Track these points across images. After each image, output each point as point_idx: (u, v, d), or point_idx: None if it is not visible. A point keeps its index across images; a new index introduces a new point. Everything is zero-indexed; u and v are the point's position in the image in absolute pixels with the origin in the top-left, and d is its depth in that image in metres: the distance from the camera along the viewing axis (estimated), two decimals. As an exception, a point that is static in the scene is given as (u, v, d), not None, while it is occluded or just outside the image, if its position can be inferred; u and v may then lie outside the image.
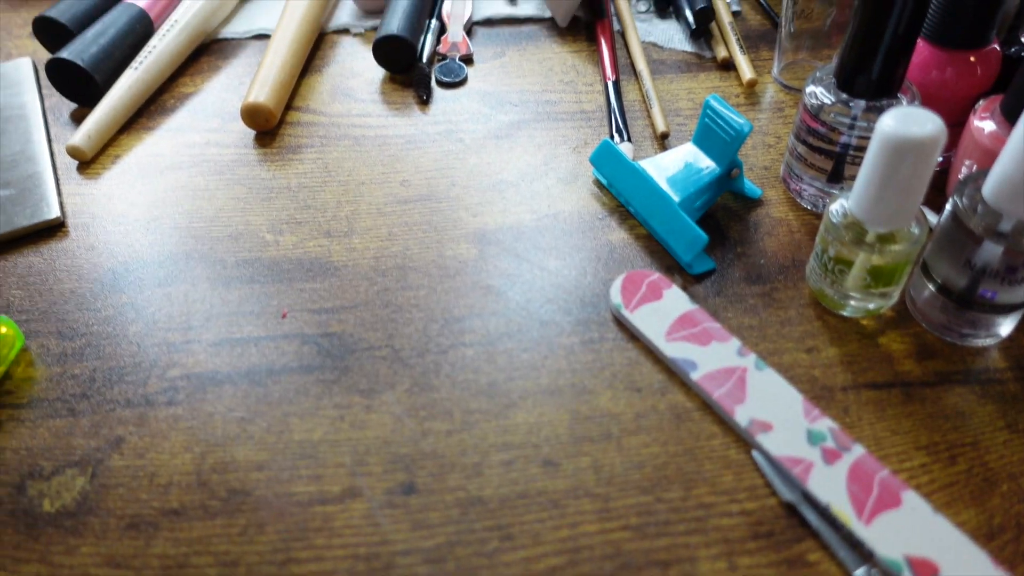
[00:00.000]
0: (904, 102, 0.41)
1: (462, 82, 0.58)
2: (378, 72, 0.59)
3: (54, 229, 0.48)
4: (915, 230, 0.37)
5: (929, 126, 0.33)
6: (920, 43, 0.44)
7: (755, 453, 0.36)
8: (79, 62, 0.54)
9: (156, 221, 0.48)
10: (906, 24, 0.38)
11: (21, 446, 0.38)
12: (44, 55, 0.62)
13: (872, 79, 0.40)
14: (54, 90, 0.57)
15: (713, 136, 0.44)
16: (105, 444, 0.38)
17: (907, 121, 0.33)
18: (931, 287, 0.39)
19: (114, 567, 0.34)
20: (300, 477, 0.36)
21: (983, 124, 0.41)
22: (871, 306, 0.40)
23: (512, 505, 0.35)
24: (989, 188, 0.35)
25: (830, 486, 0.34)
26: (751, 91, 0.55)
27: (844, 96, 0.41)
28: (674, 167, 0.45)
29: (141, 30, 0.59)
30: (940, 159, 0.46)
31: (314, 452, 0.37)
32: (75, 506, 0.36)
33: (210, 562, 0.34)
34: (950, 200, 0.37)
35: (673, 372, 0.39)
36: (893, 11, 0.37)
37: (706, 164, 0.45)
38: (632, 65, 0.58)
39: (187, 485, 0.36)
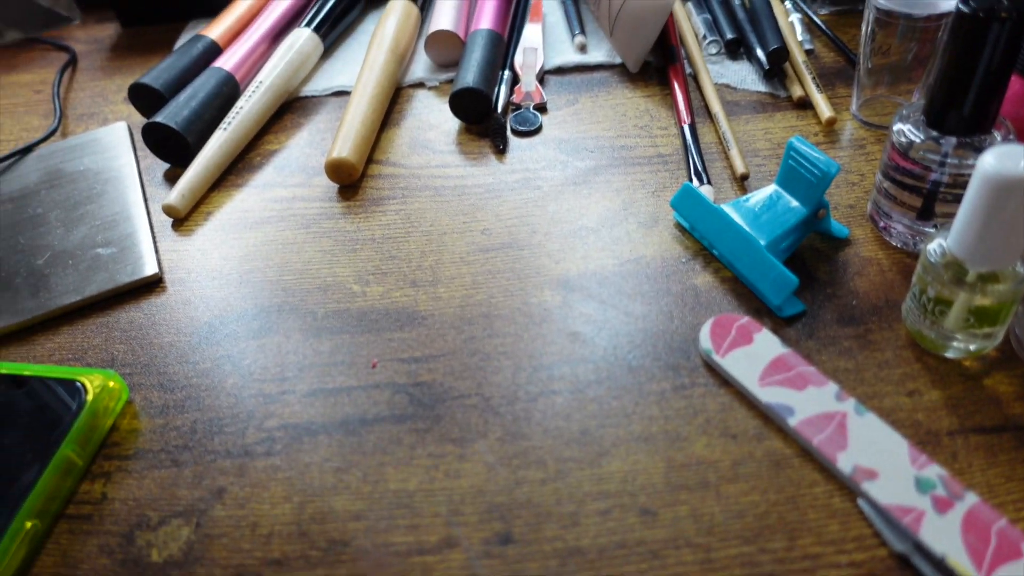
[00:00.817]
0: (998, 138, 0.40)
1: (537, 130, 0.59)
2: (454, 123, 0.61)
3: (153, 285, 0.50)
4: (1020, 268, 0.36)
5: (1033, 162, 0.32)
6: (1014, 77, 0.43)
7: (861, 502, 0.35)
8: (172, 125, 0.57)
9: (248, 275, 0.50)
10: (1000, 58, 0.37)
11: (129, 497, 0.39)
12: (139, 119, 0.65)
13: (964, 116, 0.39)
14: (148, 152, 0.60)
15: (798, 177, 0.44)
16: (208, 494, 0.39)
17: (1008, 159, 0.33)
18: (1038, 326, 0.38)
19: (221, 618, 0.34)
20: (397, 527, 0.37)
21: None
22: (973, 347, 0.39)
23: (611, 555, 0.34)
24: (1099, 223, 0.34)
25: (944, 536, 0.33)
26: (830, 129, 0.55)
27: (934, 133, 0.41)
28: (758, 209, 0.45)
29: (228, 92, 0.62)
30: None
31: (410, 502, 0.37)
32: (181, 556, 0.37)
33: (313, 613, 0.34)
34: (1055, 236, 0.36)
35: (769, 418, 0.38)
36: (986, 45, 0.37)
37: (791, 205, 0.44)
38: (707, 107, 0.58)
39: (288, 535, 0.37)
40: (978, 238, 0.35)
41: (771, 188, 0.46)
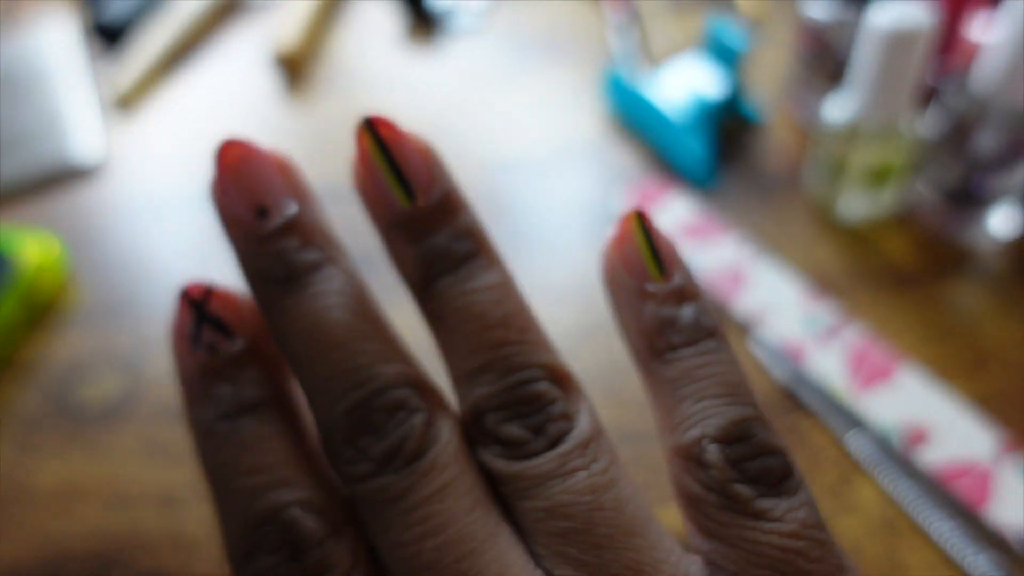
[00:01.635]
0: (898, 13, 0.43)
1: (474, 28, 0.60)
2: (395, 19, 0.62)
3: (97, 165, 0.52)
4: (908, 127, 0.39)
5: (919, 18, 0.35)
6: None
7: (752, 339, 0.37)
8: (116, 13, 0.57)
9: (193, 158, 0.52)
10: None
11: (68, 351, 0.41)
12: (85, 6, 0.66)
13: (866, -10, 0.42)
14: (95, 39, 0.60)
15: (715, 56, 0.46)
16: (147, 351, 0.41)
17: (897, 13, 0.35)
18: (925, 187, 0.40)
19: (153, 451, 0.36)
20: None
21: (974, 32, 0.42)
22: (866, 207, 0.42)
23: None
24: (979, 79, 0.36)
25: (825, 363, 0.36)
26: (751, 23, 0.57)
27: (841, 14, 0.43)
28: (678, 91, 0.47)
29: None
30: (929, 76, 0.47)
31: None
32: (117, 401, 0.39)
33: (242, 443, 0.36)
34: (942, 99, 0.38)
35: (676, 274, 0.41)
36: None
37: (709, 86, 0.47)
38: (634, 6, 0.60)
39: (221, 380, 0.39)
40: (870, 94, 0.37)
41: (690, 70, 0.48)
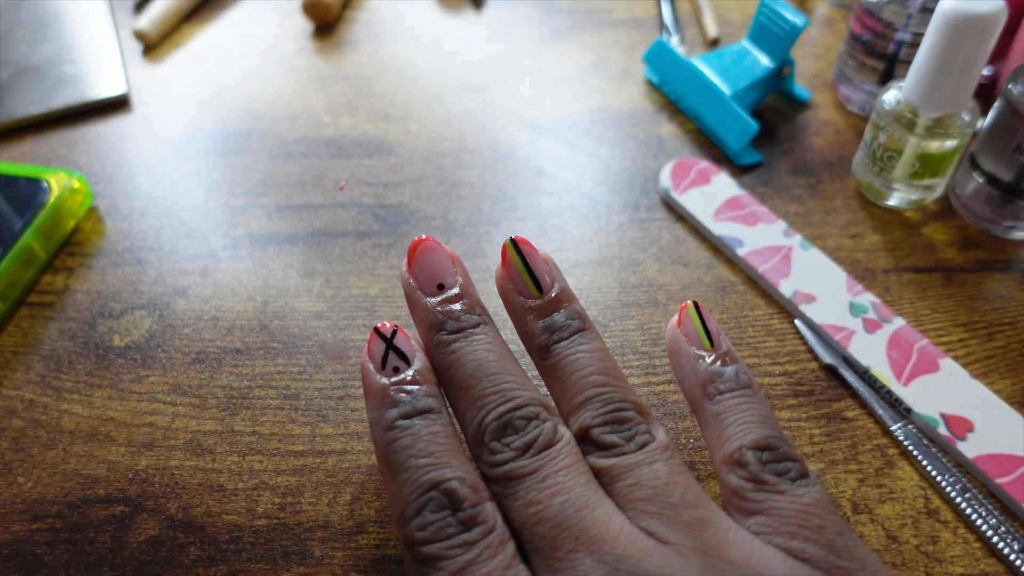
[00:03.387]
0: (960, 0, 0.42)
1: (516, -10, 0.59)
2: (433, -21, 0.60)
3: (120, 104, 0.50)
4: (966, 117, 0.38)
5: (989, 3, 0.34)
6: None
7: (798, 322, 0.37)
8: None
9: (218, 101, 0.50)
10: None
11: (92, 289, 0.40)
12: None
13: (930, -26, 0.41)
14: (119, -19, 0.58)
15: (767, 33, 0.45)
16: (171, 290, 0.40)
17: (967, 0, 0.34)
18: (978, 179, 0.40)
19: (180, 394, 0.35)
20: (357, 326, 0.38)
21: (1038, 25, 0.41)
22: (915, 197, 0.41)
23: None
24: (1043, 72, 0.36)
25: (870, 352, 0.35)
26: (802, 6, 0.56)
27: (901, -6, 0.42)
28: (726, 63, 0.46)
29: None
30: (988, 72, 0.47)
31: (371, 305, 0.39)
32: (143, 341, 0.38)
33: (272, 395, 0.35)
34: (1002, 91, 0.38)
35: (719, 250, 0.40)
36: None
37: (759, 60, 0.46)
38: (684, -20, 0.59)
39: (250, 329, 0.38)
40: (932, 80, 0.37)
41: (740, 45, 0.47)
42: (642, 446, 0.24)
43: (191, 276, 0.40)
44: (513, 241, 0.28)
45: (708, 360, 0.26)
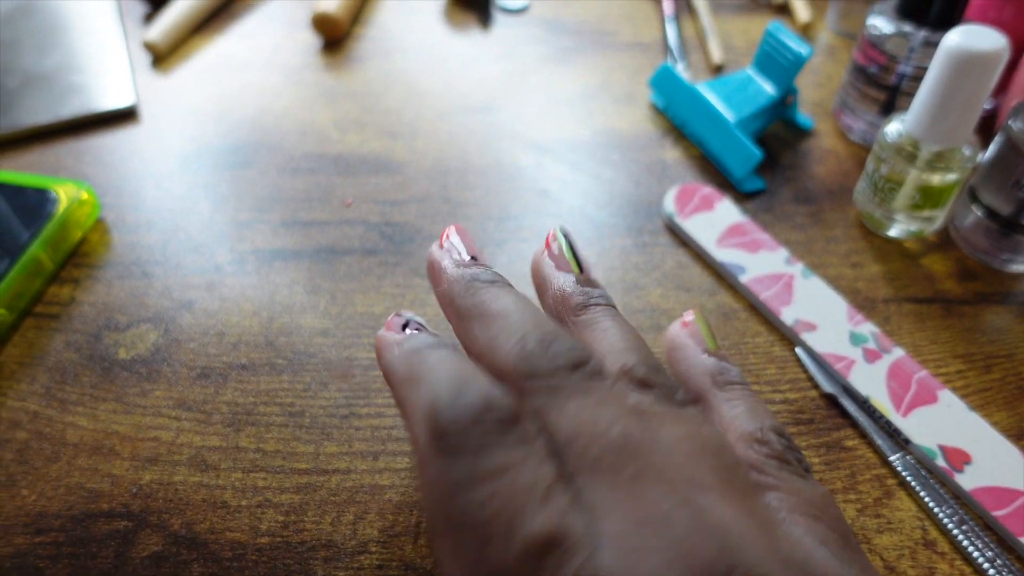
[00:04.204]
0: (963, 35, 0.42)
1: (522, 10, 0.59)
2: (441, -3, 0.61)
3: (128, 115, 0.50)
4: (967, 151, 0.38)
5: (993, 41, 0.34)
6: (982, -20, 0.45)
7: (799, 350, 0.37)
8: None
9: (226, 114, 0.50)
10: (973, -47, 0.39)
11: (98, 301, 0.40)
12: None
13: (933, 8, 0.41)
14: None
15: (772, 61, 0.46)
16: (177, 304, 0.40)
17: (971, 37, 0.35)
18: (977, 212, 0.40)
19: (185, 409, 0.36)
20: (362, 344, 0.38)
21: (1038, 61, 0.42)
22: (915, 228, 0.42)
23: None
24: (1044, 110, 0.36)
25: (870, 382, 0.36)
26: (805, 34, 0.56)
27: (905, 27, 0.43)
28: (731, 90, 0.47)
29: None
30: (988, 105, 0.47)
31: (376, 324, 0.39)
32: (149, 355, 0.38)
33: (276, 411, 0.35)
34: (1003, 126, 0.38)
35: (722, 276, 0.41)
36: (962, -62, 0.38)
37: (763, 89, 0.46)
38: (689, 3, 0.59)
39: (255, 344, 0.38)
40: (934, 114, 0.37)
41: (745, 72, 0.48)
42: (683, 404, 0.23)
43: (197, 290, 0.40)
44: (560, 228, 0.29)
45: (716, 356, 0.27)
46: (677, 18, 0.56)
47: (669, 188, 0.45)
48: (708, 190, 0.44)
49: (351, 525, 0.31)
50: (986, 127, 0.47)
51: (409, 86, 0.52)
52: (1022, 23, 0.44)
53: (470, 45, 0.56)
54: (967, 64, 0.35)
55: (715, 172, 0.46)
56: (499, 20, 0.58)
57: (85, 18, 0.56)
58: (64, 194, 0.42)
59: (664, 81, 0.49)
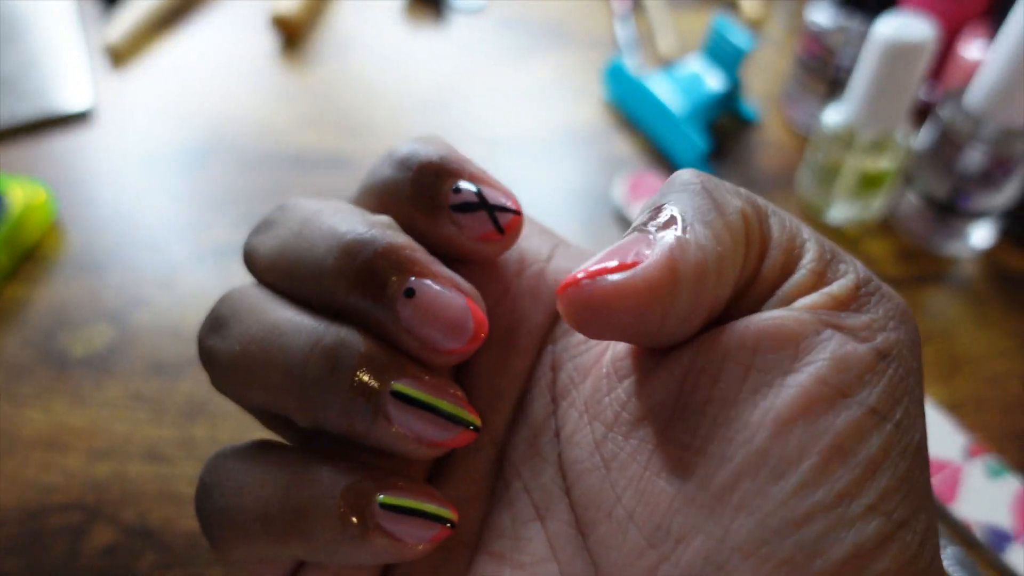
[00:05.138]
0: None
1: (479, 10, 0.60)
2: (398, -3, 0.62)
3: (86, 116, 0.51)
4: (901, 138, 0.40)
5: (921, 30, 0.36)
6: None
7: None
8: (113, -33, 0.56)
9: (184, 114, 0.51)
10: (903, -54, 0.40)
11: (54, 299, 0.40)
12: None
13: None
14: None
15: (717, 55, 0.47)
16: (132, 301, 0.40)
17: (901, 26, 0.36)
18: (913, 197, 0.42)
19: (140, 402, 0.36)
20: (316, 336, 0.39)
21: (969, 51, 0.43)
22: (855, 213, 0.43)
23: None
24: (972, 96, 0.38)
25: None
26: (755, 29, 0.58)
27: (843, 20, 0.44)
28: (680, 83, 0.48)
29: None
30: (924, 94, 0.49)
31: (330, 316, 0.40)
32: (104, 352, 0.38)
33: (231, 403, 0.36)
34: (934, 113, 0.40)
35: (669, 264, 0.42)
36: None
37: (709, 82, 0.47)
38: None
39: (210, 339, 0.39)
40: (868, 103, 0.38)
41: (692, 66, 0.49)
42: None
43: (153, 288, 0.41)
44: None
45: None
46: (632, 14, 0.57)
47: (619, 179, 0.46)
48: (657, 181, 0.45)
49: (303, 511, 0.32)
50: (924, 115, 0.49)
51: (366, 85, 0.53)
52: (955, 11, 0.46)
53: (427, 44, 0.57)
54: (897, 53, 0.36)
55: (664, 162, 0.47)
56: (456, 20, 0.59)
57: (43, 18, 0.57)
58: (20, 195, 0.42)
59: (615, 76, 0.50)
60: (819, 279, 0.16)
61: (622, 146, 0.49)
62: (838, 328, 0.15)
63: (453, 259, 0.19)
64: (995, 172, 0.38)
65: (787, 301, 0.16)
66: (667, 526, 0.15)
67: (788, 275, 0.16)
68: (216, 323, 0.19)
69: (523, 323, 0.20)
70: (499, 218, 0.18)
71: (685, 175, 0.17)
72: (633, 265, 0.15)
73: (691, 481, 0.15)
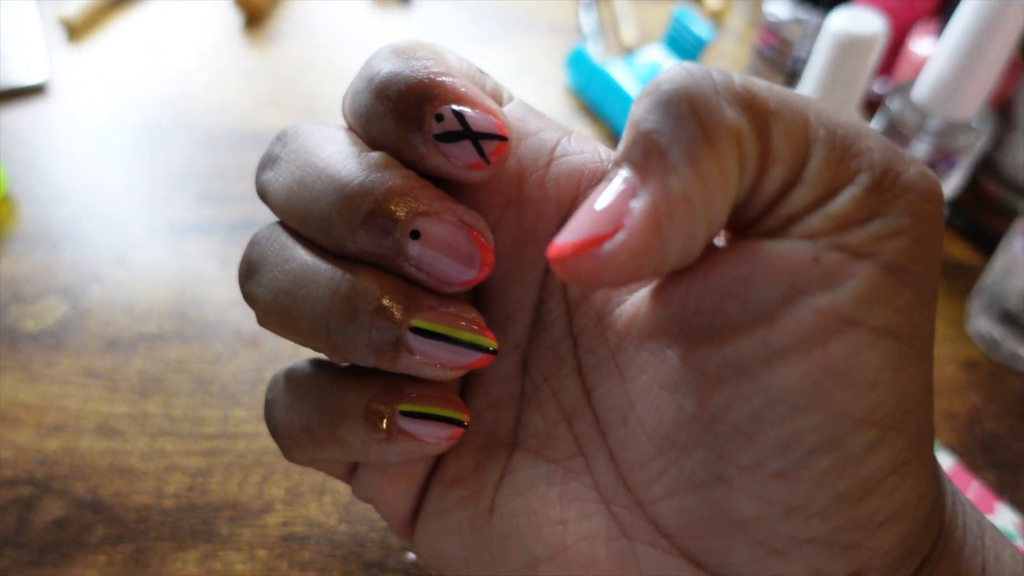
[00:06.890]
0: (852, 21, 0.45)
1: (445, -7, 0.60)
2: (364, -21, 0.61)
3: (40, 90, 0.50)
4: (852, 129, 0.41)
5: (872, 24, 0.37)
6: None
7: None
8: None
9: (143, 90, 0.50)
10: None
11: (5, 273, 0.40)
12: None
13: (825, -5, 0.44)
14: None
15: (678, 44, 0.48)
16: (86, 277, 0.40)
17: (852, 20, 0.37)
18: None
19: (93, 378, 0.36)
20: (274, 314, 0.39)
21: (919, 47, 0.45)
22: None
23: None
24: (919, 90, 0.39)
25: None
26: (716, 21, 0.59)
27: (800, 13, 0.45)
28: (641, 71, 0.48)
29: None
30: (878, 88, 0.50)
31: (288, 295, 0.40)
32: (56, 327, 0.38)
33: (186, 379, 0.36)
34: (883, 106, 0.41)
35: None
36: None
37: (670, 71, 0.48)
38: (607, -9, 0.61)
39: (166, 315, 0.38)
40: (820, 95, 0.39)
41: (654, 54, 0.49)
42: None
43: (108, 263, 0.40)
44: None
45: None
46: (596, 2, 0.58)
47: (579, 165, 0.46)
48: (616, 167, 0.46)
49: (257, 486, 0.32)
50: (877, 108, 0.50)
51: (329, 65, 0.53)
52: (907, 8, 0.47)
53: (391, 28, 0.57)
54: (848, 45, 0.37)
55: (624, 150, 0.48)
56: (420, 4, 0.59)
57: (-3, -8, 0.55)
58: (-30, 167, 0.42)
59: (578, 63, 0.50)
60: (824, 192, 0.15)
61: (584, 131, 0.49)
62: (838, 249, 0.15)
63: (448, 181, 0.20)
64: (940, 164, 0.39)
65: (789, 221, 0.16)
66: (673, 437, 0.17)
67: (792, 186, 0.16)
68: (250, 268, 0.20)
69: (529, 235, 0.20)
70: (484, 147, 0.18)
71: (671, 90, 0.15)
72: (617, 231, 0.15)
73: (691, 399, 0.17)
